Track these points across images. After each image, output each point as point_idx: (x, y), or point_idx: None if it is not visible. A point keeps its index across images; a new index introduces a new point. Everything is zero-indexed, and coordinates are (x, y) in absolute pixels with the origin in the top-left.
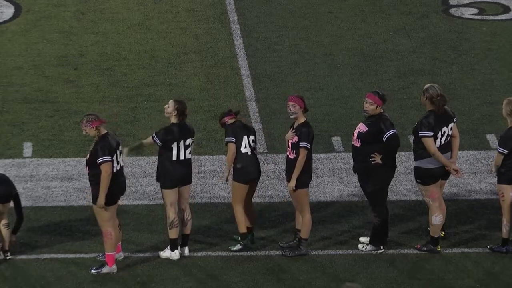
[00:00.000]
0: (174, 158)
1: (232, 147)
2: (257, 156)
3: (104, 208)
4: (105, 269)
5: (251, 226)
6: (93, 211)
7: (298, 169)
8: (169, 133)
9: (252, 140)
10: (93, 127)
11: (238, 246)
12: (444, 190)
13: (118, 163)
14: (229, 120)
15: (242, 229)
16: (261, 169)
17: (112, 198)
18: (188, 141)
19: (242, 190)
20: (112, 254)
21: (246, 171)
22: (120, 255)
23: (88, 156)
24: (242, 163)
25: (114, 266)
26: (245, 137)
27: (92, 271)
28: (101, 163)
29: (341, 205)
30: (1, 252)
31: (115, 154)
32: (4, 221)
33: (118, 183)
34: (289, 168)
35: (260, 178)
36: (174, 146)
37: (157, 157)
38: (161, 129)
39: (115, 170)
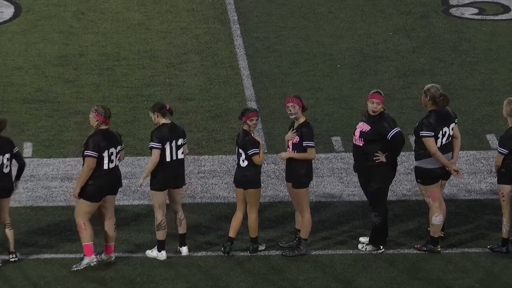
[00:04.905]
0: (168, 159)
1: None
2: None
3: (80, 200)
4: (84, 261)
5: (253, 236)
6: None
7: (301, 155)
8: (161, 133)
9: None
10: (97, 120)
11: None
12: (444, 190)
13: (112, 161)
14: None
15: (229, 232)
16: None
17: (98, 194)
18: (180, 141)
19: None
20: (89, 244)
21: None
22: (111, 256)
23: (83, 148)
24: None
25: (93, 256)
26: (167, 143)
27: (73, 269)
28: (86, 155)
29: (341, 205)
30: (8, 253)
31: (107, 151)
32: (6, 222)
33: (107, 179)
34: (289, 168)
35: (260, 178)
36: (167, 146)
37: None
38: (152, 133)
39: (105, 167)
